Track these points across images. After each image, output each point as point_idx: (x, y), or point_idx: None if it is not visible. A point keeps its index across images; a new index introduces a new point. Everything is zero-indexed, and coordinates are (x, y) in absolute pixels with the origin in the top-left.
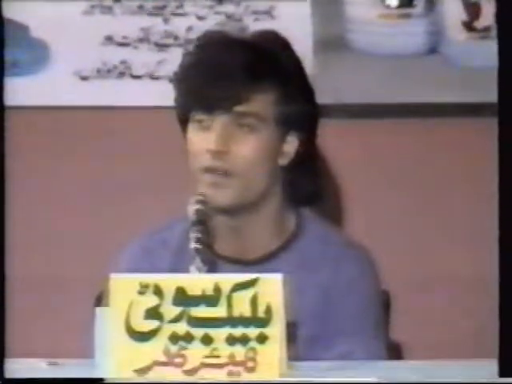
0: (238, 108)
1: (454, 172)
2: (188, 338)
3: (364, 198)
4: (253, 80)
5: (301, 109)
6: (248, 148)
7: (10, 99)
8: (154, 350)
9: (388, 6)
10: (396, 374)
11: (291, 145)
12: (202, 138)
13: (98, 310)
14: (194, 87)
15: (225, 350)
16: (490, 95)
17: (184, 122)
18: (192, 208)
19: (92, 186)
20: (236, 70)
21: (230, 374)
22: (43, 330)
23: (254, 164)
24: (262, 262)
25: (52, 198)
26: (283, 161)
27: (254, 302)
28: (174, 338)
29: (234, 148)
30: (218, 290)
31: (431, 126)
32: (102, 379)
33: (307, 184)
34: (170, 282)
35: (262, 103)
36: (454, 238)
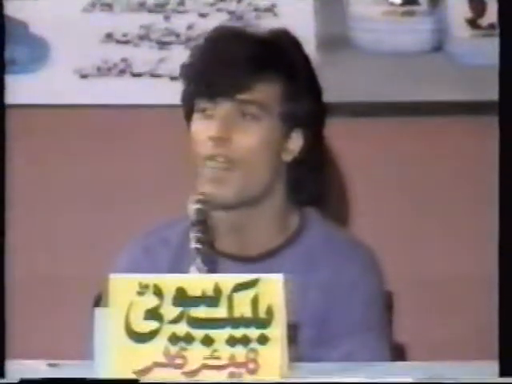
0: (241, 96)
1: (460, 171)
2: (188, 338)
3: (367, 197)
4: (256, 68)
5: (307, 105)
6: (250, 137)
7: (9, 97)
8: (154, 351)
9: (392, 4)
10: (399, 375)
11: (296, 142)
12: (205, 127)
13: (98, 310)
14: (199, 75)
15: (225, 351)
16: (496, 93)
17: (189, 114)
18: (192, 207)
19: (91, 185)
20: (240, 58)
21: (231, 375)
22: (42, 331)
23: (256, 153)
24: (264, 259)
25: (51, 198)
26: (287, 157)
27: (255, 302)
28: (174, 339)
29: (235, 136)
30: (218, 290)
31: (435, 125)
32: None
33: (311, 183)
34: (169, 282)
35: (266, 93)
36: (457, 237)
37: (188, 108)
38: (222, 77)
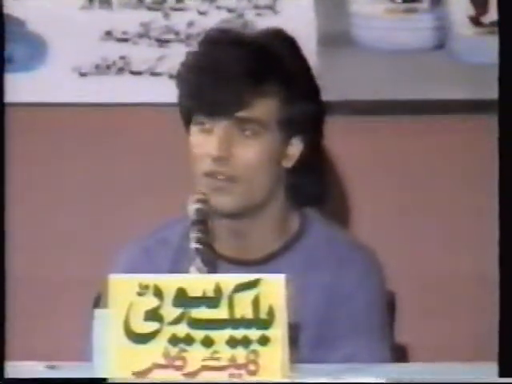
0: (240, 113)
1: (461, 170)
2: (188, 340)
3: (368, 196)
4: (255, 85)
5: (305, 111)
6: (250, 153)
7: (7, 95)
8: (154, 352)
9: (393, 1)
10: (400, 376)
11: (296, 147)
12: (204, 142)
13: (97, 311)
14: (196, 90)
15: (226, 353)
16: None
17: (187, 123)
18: (192, 207)
19: (91, 185)
20: (238, 74)
21: (232, 376)
22: (42, 332)
23: (256, 169)
24: (264, 263)
25: (51, 198)
26: (288, 163)
27: (255, 303)
28: (174, 340)
29: (235, 153)
30: (219, 290)
31: (437, 123)
32: (104, 379)
33: (312, 186)
34: (170, 282)
35: (265, 108)
36: (457, 238)
37: (185, 118)
38: (221, 94)
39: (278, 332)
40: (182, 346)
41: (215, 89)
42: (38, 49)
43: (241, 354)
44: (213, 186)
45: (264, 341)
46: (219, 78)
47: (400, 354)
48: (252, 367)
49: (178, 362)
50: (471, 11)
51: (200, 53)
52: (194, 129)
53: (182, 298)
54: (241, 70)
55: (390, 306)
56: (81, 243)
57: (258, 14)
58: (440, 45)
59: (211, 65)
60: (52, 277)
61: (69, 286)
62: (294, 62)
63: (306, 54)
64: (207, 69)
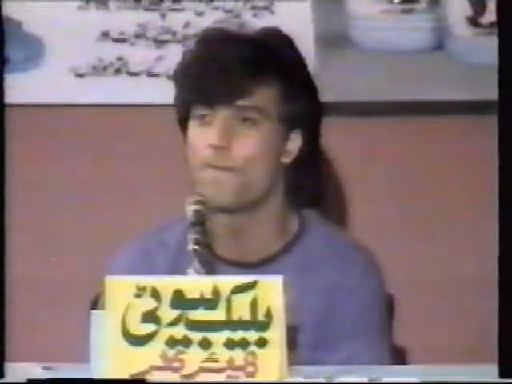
0: (240, 102)
1: (460, 171)
2: (186, 341)
3: (366, 197)
4: (255, 73)
5: (304, 106)
6: (250, 143)
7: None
8: (151, 354)
9: (391, 1)
10: (400, 378)
11: (295, 143)
12: (204, 134)
13: (94, 313)
14: (195, 81)
15: (224, 355)
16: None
17: (184, 120)
18: (190, 208)
19: (90, 185)
20: (237, 63)
21: (229, 378)
22: (39, 334)
23: (256, 159)
24: (263, 265)
25: (51, 198)
26: (286, 159)
27: (253, 305)
28: (172, 342)
29: (235, 143)
30: (216, 292)
31: (436, 124)
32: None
33: (310, 184)
34: (167, 284)
35: (265, 97)
36: (457, 239)
37: (183, 114)
38: (221, 83)
39: (276, 334)
40: (179, 347)
41: (215, 78)
42: (35, 50)
43: (239, 355)
44: (211, 176)
45: (262, 343)
46: (218, 68)
47: (400, 356)
48: (250, 369)
49: (176, 364)
50: (469, 12)
51: (197, 49)
52: (192, 123)
53: (180, 300)
54: (240, 59)
55: (389, 308)
56: (80, 244)
57: (255, 15)
58: (438, 45)
59: (210, 57)
60: (52, 278)
61: (68, 286)
62: (293, 57)
63: (303, 55)
64: (206, 61)
